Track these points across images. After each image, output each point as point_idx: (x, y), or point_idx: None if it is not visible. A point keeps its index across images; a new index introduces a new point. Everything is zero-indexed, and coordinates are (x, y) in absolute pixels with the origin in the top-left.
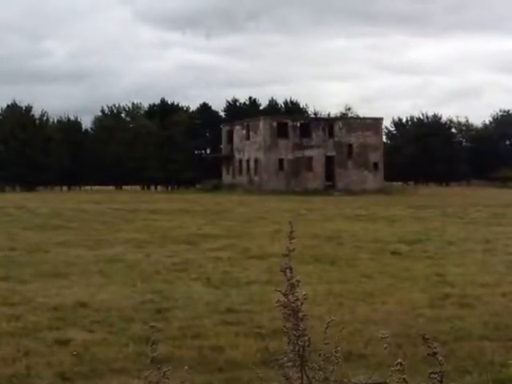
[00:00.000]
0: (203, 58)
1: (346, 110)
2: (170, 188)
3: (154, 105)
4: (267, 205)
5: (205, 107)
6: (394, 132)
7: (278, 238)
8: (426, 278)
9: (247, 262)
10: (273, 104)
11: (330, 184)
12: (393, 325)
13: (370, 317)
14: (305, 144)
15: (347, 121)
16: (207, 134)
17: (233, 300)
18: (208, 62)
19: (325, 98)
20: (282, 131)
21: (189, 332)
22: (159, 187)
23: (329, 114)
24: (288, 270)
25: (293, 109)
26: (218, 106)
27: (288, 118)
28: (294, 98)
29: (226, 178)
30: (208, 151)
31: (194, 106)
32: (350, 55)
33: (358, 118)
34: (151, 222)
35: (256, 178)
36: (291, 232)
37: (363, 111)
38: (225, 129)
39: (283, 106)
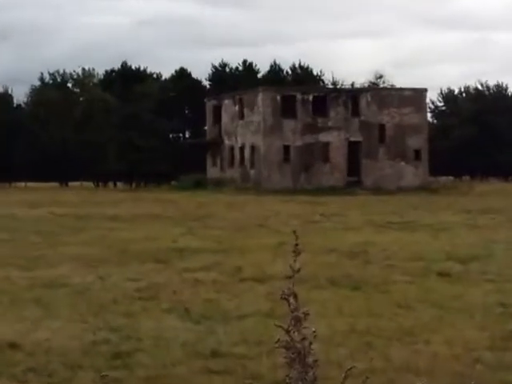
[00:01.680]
0: (179, 7)
1: (376, 78)
2: (134, 185)
3: (113, 71)
4: (268, 208)
5: (182, 74)
6: (443, 108)
7: (281, 253)
8: (486, 308)
9: (239, 287)
10: (275, 70)
11: (353, 180)
12: (439, 374)
13: (408, 362)
14: (320, 125)
15: (378, 93)
16: (186, 112)
17: (219, 339)
18: (186, 14)
19: (346, 62)
20: (288, 108)
21: None
22: (120, 184)
23: (352, 85)
24: (291, 298)
25: (303, 77)
26: (201, 72)
27: (296, 89)
28: (305, 63)
29: (212, 171)
30: (187, 135)
31: (167, 72)
32: (378, 3)
33: (392, 88)
34: (108, 233)
35: (252, 172)
36: (296, 245)
37: (399, 80)
38: (210, 104)
39: (289, 72)
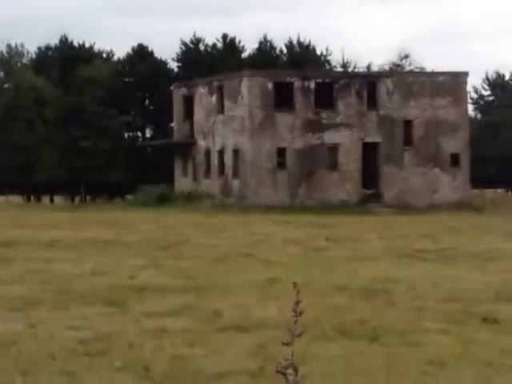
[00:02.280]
0: None
1: (401, 58)
2: (77, 200)
3: (48, 48)
4: (256, 231)
5: (141, 53)
6: (490, 98)
7: (274, 292)
8: None
9: (218, 338)
10: (266, 48)
11: (370, 193)
12: None
13: None
14: (325, 121)
15: (402, 78)
16: (146, 103)
17: None
18: None
19: (360, 36)
20: (283, 98)
21: None
22: (58, 199)
23: (368, 67)
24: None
25: (302, 57)
26: (166, 50)
27: (294, 73)
28: (305, 38)
29: (182, 182)
30: (148, 134)
31: (120, 50)
32: None
33: (422, 73)
34: (42, 265)
35: (236, 184)
36: (295, 286)
37: (432, 61)
38: (178, 93)
39: (284, 51)
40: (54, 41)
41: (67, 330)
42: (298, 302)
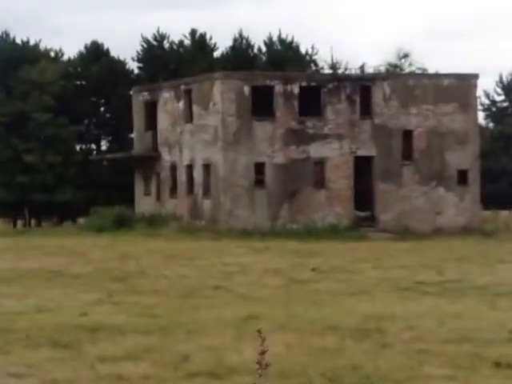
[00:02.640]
0: None
1: (400, 58)
2: (20, 224)
3: None
4: (230, 260)
5: (95, 52)
6: (504, 104)
7: (251, 332)
8: None
9: None
10: (241, 46)
11: (364, 215)
12: None
13: None
14: (311, 131)
15: (401, 81)
16: (102, 111)
17: None
18: None
19: (353, 33)
20: (261, 104)
21: None
22: None
23: (362, 69)
24: None
25: (284, 57)
26: (125, 49)
27: (275, 76)
28: (287, 34)
29: (144, 202)
30: (103, 146)
31: (71, 49)
32: None
33: (424, 75)
34: None
35: (207, 204)
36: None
37: (436, 62)
38: (139, 98)
39: (263, 50)
40: None
41: (8, 378)
42: (263, 353)
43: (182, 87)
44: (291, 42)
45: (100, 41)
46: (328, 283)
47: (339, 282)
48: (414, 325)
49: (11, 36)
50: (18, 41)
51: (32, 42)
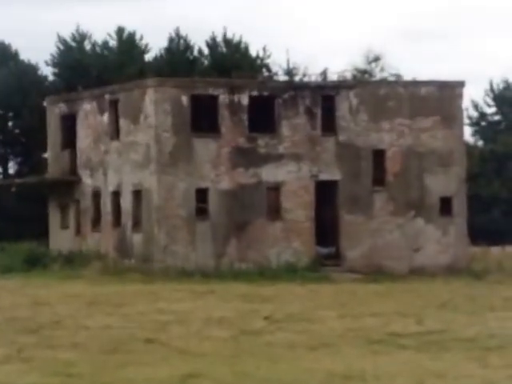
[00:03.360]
0: None
1: (369, 62)
2: None
3: None
4: (166, 306)
5: (1, 54)
6: (496, 118)
7: None
8: None
9: None
10: (178, 48)
11: (327, 252)
12: None
13: None
14: (263, 150)
15: (371, 90)
16: (9, 125)
17: None
18: None
19: (314, 31)
20: (203, 117)
21: None
22: None
23: (324, 74)
24: None
25: (231, 60)
26: (36, 50)
27: (219, 83)
28: (234, 33)
29: (61, 237)
30: (11, 169)
31: None
32: None
33: (399, 82)
34: None
35: (138, 238)
36: None
37: (413, 66)
38: (55, 110)
39: (205, 52)
40: None
41: None
42: None
43: (107, 97)
44: (239, 43)
45: (7, 41)
46: (284, 335)
47: (297, 333)
48: None
49: None
50: None
51: None
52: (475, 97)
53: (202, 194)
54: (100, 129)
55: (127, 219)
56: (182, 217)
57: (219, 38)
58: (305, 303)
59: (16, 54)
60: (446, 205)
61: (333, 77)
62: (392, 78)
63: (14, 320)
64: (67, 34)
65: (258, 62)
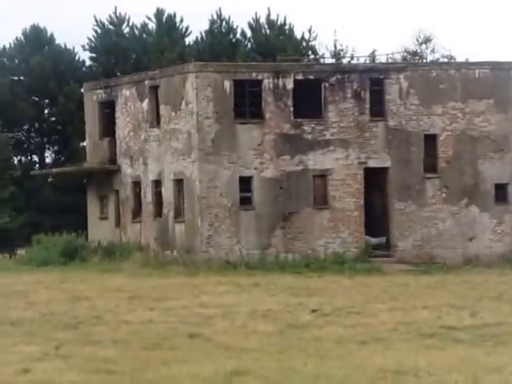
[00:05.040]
0: None
1: (420, 43)
2: None
3: None
4: (209, 300)
5: (36, 39)
6: None
7: None
8: None
9: None
10: (220, 30)
11: (377, 242)
12: None
13: None
14: (309, 137)
15: (422, 72)
16: (45, 112)
17: None
18: None
19: (360, 13)
20: (246, 103)
21: None
22: None
23: (372, 57)
24: None
25: (275, 44)
26: (73, 34)
27: (263, 66)
28: (278, 14)
29: (100, 228)
30: (48, 158)
31: (6, 35)
32: None
33: (450, 63)
34: None
35: (180, 229)
36: None
37: (466, 48)
38: (92, 97)
39: (249, 35)
40: None
41: None
42: None
43: (147, 83)
44: (283, 25)
45: (42, 25)
46: (332, 329)
47: (346, 328)
48: (442, 381)
49: None
50: None
51: None
52: None
53: (245, 183)
54: (140, 116)
55: (169, 209)
56: (225, 206)
57: (262, 20)
58: (354, 296)
59: (52, 39)
60: (501, 192)
61: (382, 59)
62: (444, 60)
63: (52, 315)
64: (105, 17)
65: (304, 44)
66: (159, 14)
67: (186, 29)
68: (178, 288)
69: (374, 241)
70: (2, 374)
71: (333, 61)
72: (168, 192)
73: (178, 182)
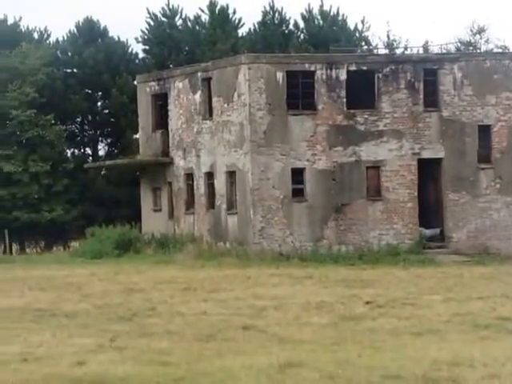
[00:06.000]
0: None
1: (474, 33)
2: None
3: None
4: (263, 292)
5: (89, 32)
6: None
7: None
8: None
9: None
10: (273, 22)
11: (431, 233)
12: None
13: None
14: (362, 127)
15: (476, 63)
16: (98, 105)
17: None
18: None
19: (412, 4)
20: (299, 94)
21: None
22: None
23: (426, 47)
24: None
25: (328, 34)
26: (126, 27)
27: (316, 58)
28: (331, 5)
29: (153, 220)
30: (101, 151)
31: (59, 28)
32: None
33: (504, 53)
34: None
35: (232, 221)
36: None
37: None
38: (145, 89)
39: (301, 25)
40: None
41: None
42: None
43: (200, 75)
44: (336, 15)
45: (95, 17)
46: (386, 320)
47: (401, 319)
48: (497, 373)
49: None
50: None
51: (10, 21)
52: None
53: (298, 175)
54: (192, 108)
55: (221, 201)
56: (277, 198)
57: (315, 11)
58: (408, 287)
59: (105, 31)
60: None
61: (435, 50)
62: (498, 50)
63: (107, 307)
64: (157, 9)
65: (357, 34)
66: (212, 5)
67: (239, 20)
68: (231, 280)
69: (428, 232)
70: (57, 366)
71: (386, 51)
72: (220, 184)
73: (231, 174)
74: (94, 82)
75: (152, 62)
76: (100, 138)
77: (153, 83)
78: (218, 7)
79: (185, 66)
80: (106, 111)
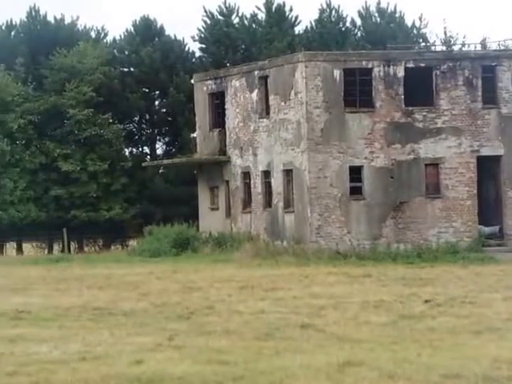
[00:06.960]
0: None
1: None
2: (57, 248)
3: (11, 26)
4: (320, 290)
5: (146, 30)
6: None
7: (350, 383)
8: None
9: None
10: (329, 20)
11: (491, 231)
12: None
13: None
14: (420, 125)
15: None
16: (156, 104)
17: None
18: None
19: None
20: (356, 91)
21: None
22: (28, 246)
23: (484, 44)
24: None
25: (385, 31)
26: (183, 26)
27: (373, 55)
28: (388, 3)
29: (210, 219)
30: (159, 150)
31: (116, 27)
32: None
33: None
34: (4, 348)
35: (289, 219)
36: None
37: None
38: (203, 88)
39: (358, 23)
40: (20, 16)
41: None
42: None
43: (256, 73)
44: (393, 12)
45: (152, 16)
46: (446, 319)
47: (460, 318)
48: None
49: (41, 13)
50: (50, 19)
51: (67, 20)
52: None
53: (355, 173)
54: (249, 106)
55: (278, 200)
56: (335, 196)
57: (373, 8)
58: (467, 286)
59: (161, 30)
60: None
61: (493, 46)
62: None
63: (165, 306)
64: (214, 8)
65: (414, 31)
66: (268, 3)
67: (296, 18)
68: (289, 278)
69: (488, 230)
70: (116, 365)
71: (444, 48)
72: (277, 182)
73: (288, 173)
74: (151, 81)
75: (209, 60)
76: (158, 137)
77: (210, 82)
78: (275, 5)
79: (241, 65)
80: (164, 110)
